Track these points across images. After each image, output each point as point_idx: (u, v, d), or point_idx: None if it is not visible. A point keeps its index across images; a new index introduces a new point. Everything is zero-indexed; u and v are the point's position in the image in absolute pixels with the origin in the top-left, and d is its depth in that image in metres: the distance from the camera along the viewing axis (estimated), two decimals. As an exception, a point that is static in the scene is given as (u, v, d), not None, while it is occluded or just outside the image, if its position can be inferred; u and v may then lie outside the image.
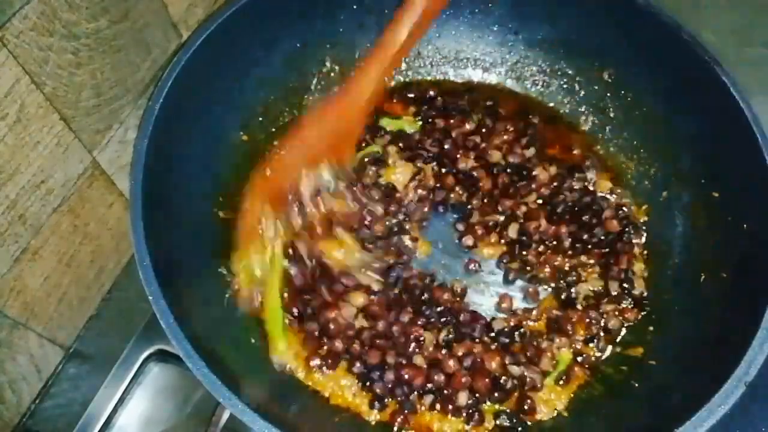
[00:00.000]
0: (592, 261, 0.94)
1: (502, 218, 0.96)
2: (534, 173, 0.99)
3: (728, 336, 0.75)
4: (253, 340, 0.86)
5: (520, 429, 0.82)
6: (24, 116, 0.69)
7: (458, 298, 0.91)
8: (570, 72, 1.04)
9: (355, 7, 1.00)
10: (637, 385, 0.83)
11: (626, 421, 0.79)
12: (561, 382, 0.86)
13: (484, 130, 1.02)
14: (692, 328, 0.83)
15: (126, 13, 0.79)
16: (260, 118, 0.99)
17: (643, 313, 0.90)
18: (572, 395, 0.85)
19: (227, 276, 0.87)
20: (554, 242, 0.95)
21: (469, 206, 0.97)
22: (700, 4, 1.16)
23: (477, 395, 0.83)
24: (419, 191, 0.97)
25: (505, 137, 1.02)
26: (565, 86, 1.05)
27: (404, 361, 0.85)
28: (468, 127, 1.02)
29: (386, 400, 0.83)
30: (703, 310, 0.83)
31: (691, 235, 0.90)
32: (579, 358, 0.87)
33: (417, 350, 0.85)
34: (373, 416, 0.82)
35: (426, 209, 0.96)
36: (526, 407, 0.83)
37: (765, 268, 0.76)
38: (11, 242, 0.75)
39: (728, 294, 0.81)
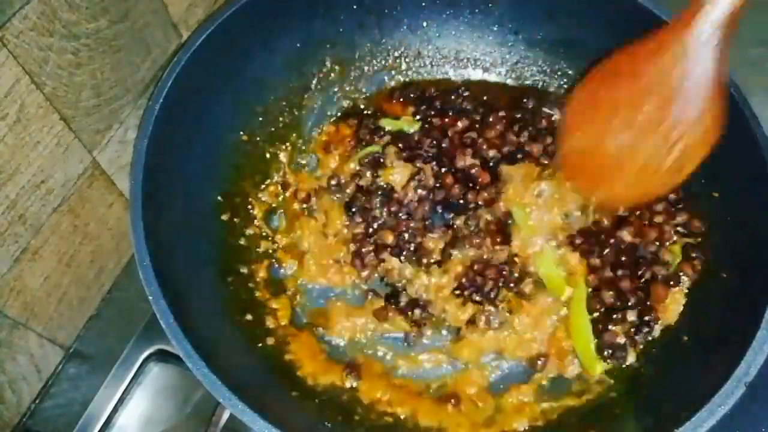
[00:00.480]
0: None
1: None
2: (527, 149, 0.98)
3: (728, 336, 0.75)
4: (254, 340, 0.86)
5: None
6: (24, 116, 0.69)
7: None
8: (570, 72, 1.04)
9: (355, 7, 1.00)
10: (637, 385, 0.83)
11: (626, 422, 0.79)
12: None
13: (478, 126, 1.01)
14: (692, 328, 0.83)
15: (126, 13, 0.79)
16: (260, 118, 0.99)
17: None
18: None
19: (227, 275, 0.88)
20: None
21: (469, 204, 0.97)
22: (700, 5, 1.16)
23: None
24: (419, 191, 0.97)
25: (498, 127, 1.01)
26: (564, 86, 1.05)
27: None
28: (461, 124, 1.01)
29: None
30: (703, 310, 0.83)
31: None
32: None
33: None
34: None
35: (426, 209, 0.96)
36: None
37: (765, 268, 0.76)
38: (11, 242, 0.75)
39: (728, 294, 0.81)
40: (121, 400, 0.88)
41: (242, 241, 0.94)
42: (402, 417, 0.83)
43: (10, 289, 0.77)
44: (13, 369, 0.82)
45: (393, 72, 1.07)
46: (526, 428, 0.83)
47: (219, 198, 0.93)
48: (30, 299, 0.81)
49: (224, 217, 0.93)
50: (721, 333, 0.78)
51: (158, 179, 0.78)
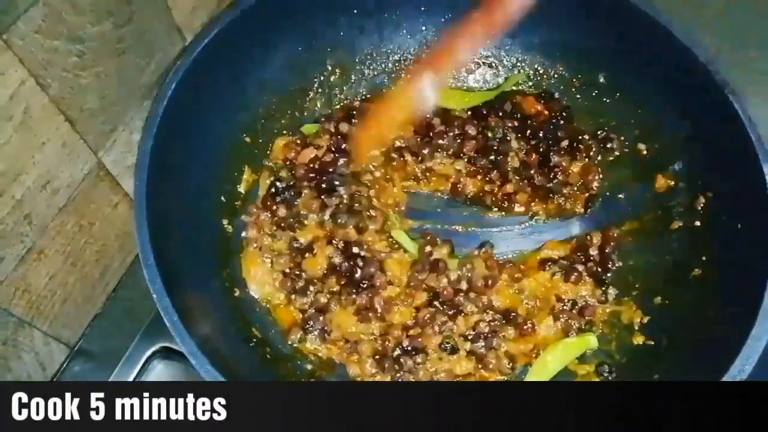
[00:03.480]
0: None
1: None
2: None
3: (724, 335, 0.76)
4: (256, 338, 0.88)
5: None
6: (29, 118, 0.70)
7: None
8: (566, 75, 1.05)
9: (355, 11, 1.01)
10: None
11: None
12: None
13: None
14: (688, 327, 0.84)
15: (130, 17, 0.80)
16: (262, 120, 1.00)
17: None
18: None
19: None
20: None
21: None
22: (696, 7, 1.16)
23: None
24: None
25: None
26: (561, 88, 1.05)
27: None
28: None
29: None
30: (699, 309, 0.84)
31: (686, 235, 0.91)
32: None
33: None
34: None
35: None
36: None
37: (759, 267, 0.76)
38: (17, 242, 0.76)
39: (723, 293, 0.81)
40: (125, 398, 0.89)
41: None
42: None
43: (16, 288, 0.78)
44: (18, 367, 0.83)
45: (393, 75, 1.08)
46: None
47: (222, 198, 0.94)
48: (35, 298, 0.82)
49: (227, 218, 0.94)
50: (716, 332, 0.78)
51: (162, 180, 0.79)
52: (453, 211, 1.01)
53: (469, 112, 1.05)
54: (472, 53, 0.83)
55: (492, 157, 1.01)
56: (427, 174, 1.01)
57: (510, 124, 1.02)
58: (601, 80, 1.01)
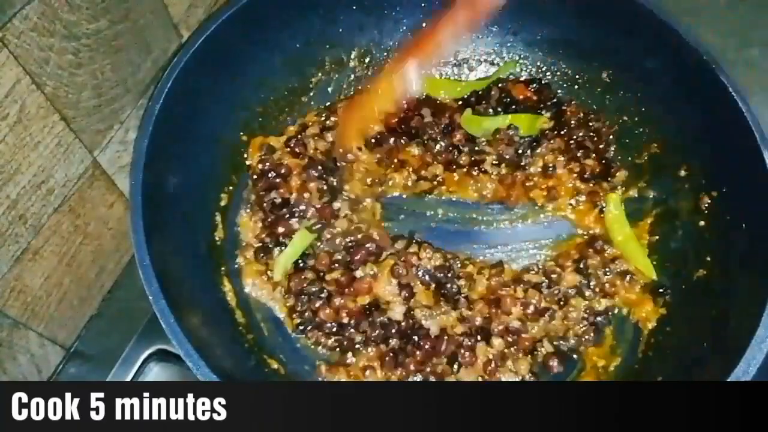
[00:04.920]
0: None
1: None
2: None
3: (728, 335, 0.76)
4: (251, 340, 0.87)
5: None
6: (25, 116, 0.70)
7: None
8: (569, 72, 1.04)
9: (354, 8, 1.00)
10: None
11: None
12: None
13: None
14: (692, 327, 0.83)
15: (126, 14, 0.79)
16: (260, 119, 0.99)
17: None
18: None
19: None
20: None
21: None
22: (699, 5, 1.16)
23: None
24: None
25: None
26: (564, 87, 1.05)
27: None
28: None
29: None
30: (702, 309, 0.83)
31: (691, 235, 0.90)
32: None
33: None
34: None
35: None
36: None
37: (764, 267, 0.76)
38: (12, 242, 0.75)
39: (728, 293, 0.81)
40: (122, 400, 0.88)
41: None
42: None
43: (11, 288, 0.77)
44: (13, 369, 0.82)
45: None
46: None
47: (219, 197, 0.93)
48: (30, 299, 0.81)
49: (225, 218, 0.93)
50: (720, 332, 0.78)
51: (158, 179, 0.79)
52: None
53: (459, 103, 1.04)
54: (454, 42, 0.85)
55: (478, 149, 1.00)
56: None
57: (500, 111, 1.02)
58: (605, 78, 1.01)
